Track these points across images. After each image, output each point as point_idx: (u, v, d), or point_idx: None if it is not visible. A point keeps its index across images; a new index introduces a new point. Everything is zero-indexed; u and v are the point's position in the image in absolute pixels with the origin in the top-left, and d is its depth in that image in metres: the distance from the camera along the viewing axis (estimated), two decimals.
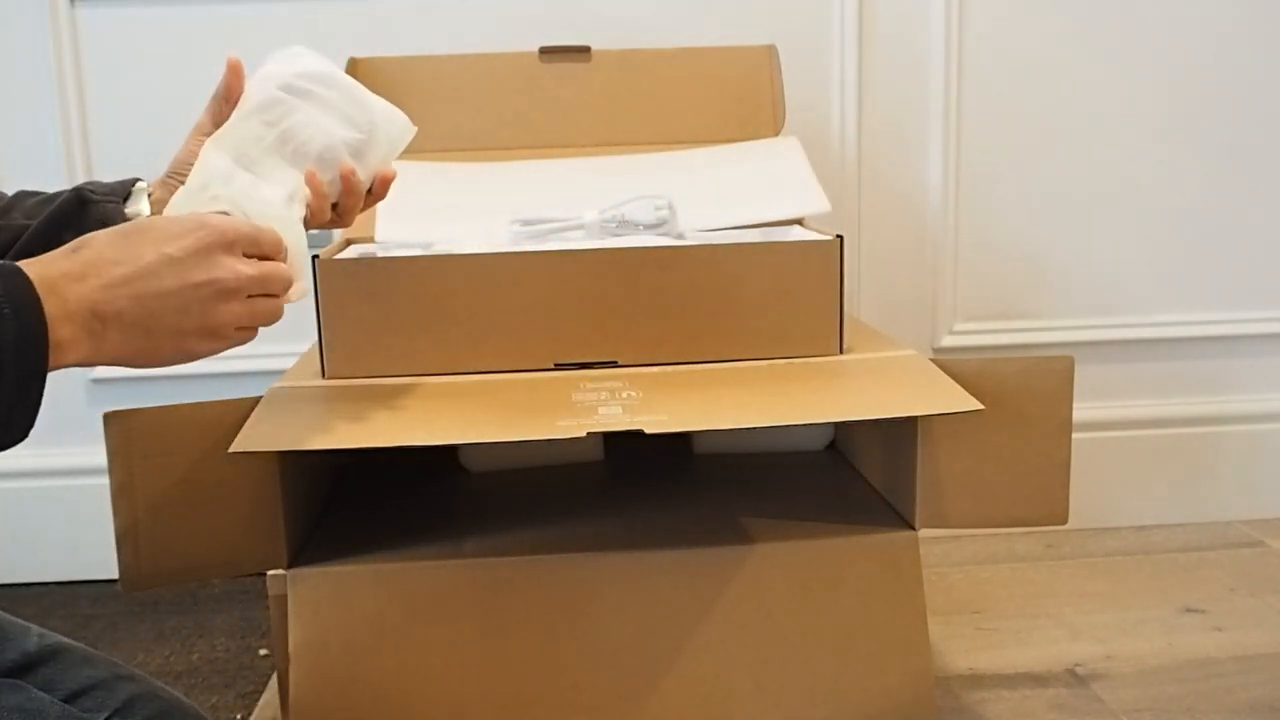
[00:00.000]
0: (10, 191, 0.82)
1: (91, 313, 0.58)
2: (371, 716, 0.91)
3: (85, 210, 0.77)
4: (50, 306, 0.56)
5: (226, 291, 0.63)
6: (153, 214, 0.79)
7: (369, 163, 0.83)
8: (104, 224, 0.76)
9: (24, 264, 0.57)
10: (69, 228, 0.77)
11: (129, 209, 0.78)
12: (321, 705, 0.91)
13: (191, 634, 1.33)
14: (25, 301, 0.55)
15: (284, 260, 0.69)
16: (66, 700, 0.63)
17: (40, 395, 0.56)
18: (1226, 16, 1.51)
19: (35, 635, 0.67)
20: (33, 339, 0.55)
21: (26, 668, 0.64)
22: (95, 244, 0.61)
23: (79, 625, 1.37)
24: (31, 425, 0.57)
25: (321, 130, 0.80)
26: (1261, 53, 1.52)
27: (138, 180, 0.82)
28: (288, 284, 0.68)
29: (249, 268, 0.64)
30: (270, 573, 0.92)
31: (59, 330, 0.57)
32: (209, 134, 0.78)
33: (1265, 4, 1.51)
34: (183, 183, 0.76)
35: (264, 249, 0.66)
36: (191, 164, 0.76)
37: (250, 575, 0.96)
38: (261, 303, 0.66)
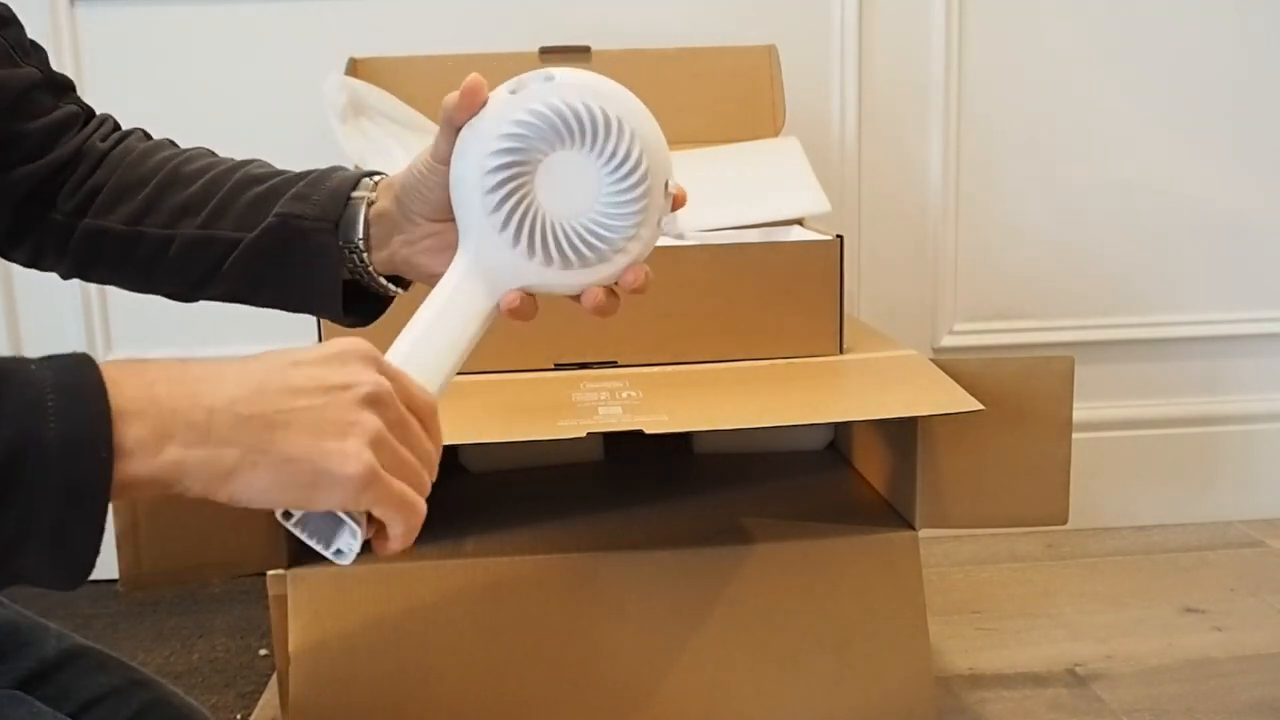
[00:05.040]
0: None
1: (191, 405, 0.44)
2: (371, 716, 0.91)
3: (290, 246, 0.66)
4: (121, 397, 0.43)
5: (368, 398, 0.48)
6: (371, 232, 0.66)
7: None
8: (313, 260, 0.66)
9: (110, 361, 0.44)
10: (274, 263, 0.67)
11: (343, 238, 0.66)
12: (321, 705, 0.91)
13: (191, 634, 1.33)
14: (82, 393, 0.42)
15: (434, 436, 0.52)
16: (80, 710, 0.63)
17: (100, 514, 0.42)
18: (1228, 17, 1.51)
19: (53, 638, 0.67)
20: (87, 444, 0.41)
21: (43, 675, 0.64)
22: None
23: (79, 625, 1.36)
24: (96, 544, 0.43)
25: None
26: (1263, 52, 1.52)
27: (354, 189, 0.67)
28: (431, 462, 0.52)
29: (386, 388, 0.49)
30: (270, 573, 0.92)
31: (130, 428, 0.43)
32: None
33: (1266, 2, 1.51)
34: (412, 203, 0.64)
35: (405, 390, 0.51)
36: (418, 190, 0.63)
37: (250, 575, 0.96)
38: (410, 459, 0.50)
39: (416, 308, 0.60)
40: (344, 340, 0.50)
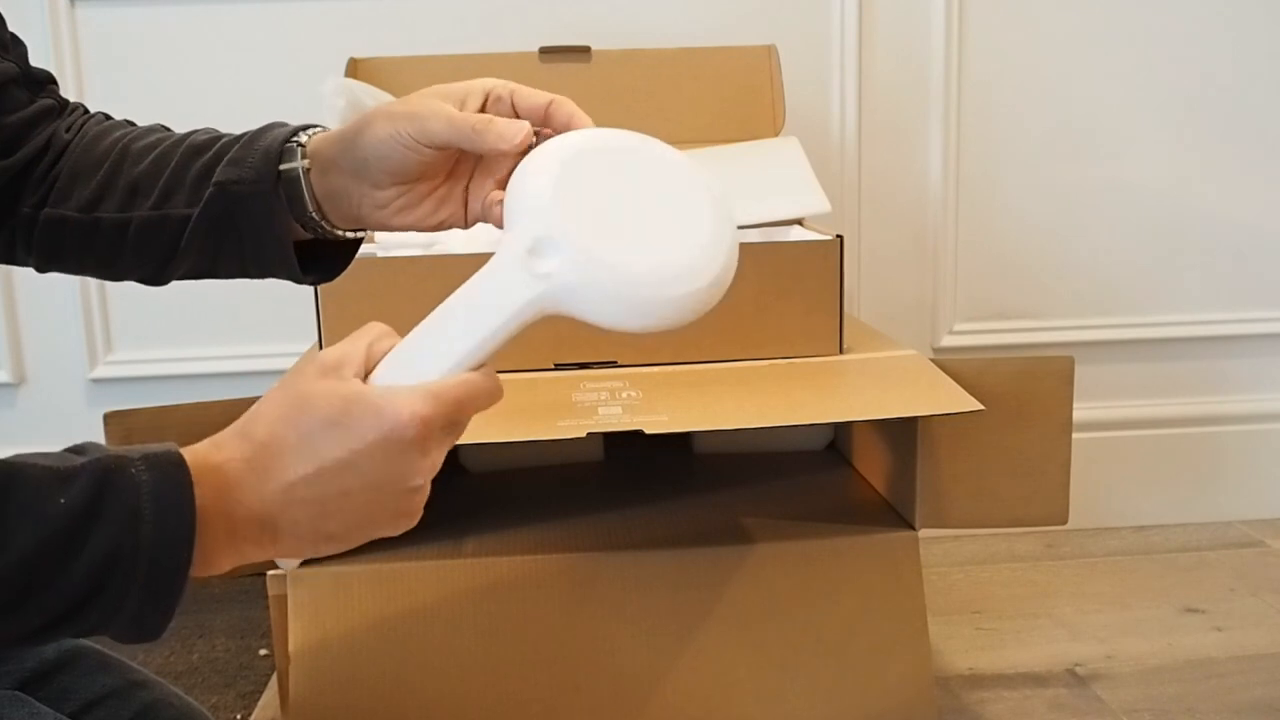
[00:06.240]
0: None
1: (262, 524, 0.51)
2: (371, 716, 0.91)
3: (234, 214, 0.66)
4: (203, 502, 0.48)
5: (418, 488, 0.54)
6: (318, 196, 0.65)
7: None
8: (257, 225, 0.65)
9: (190, 453, 0.50)
10: (224, 234, 0.67)
11: (296, 215, 0.66)
12: (321, 705, 0.91)
13: (191, 634, 1.33)
14: (174, 503, 0.48)
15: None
16: (81, 710, 0.63)
17: (176, 602, 0.48)
18: (1228, 17, 1.51)
19: None
20: (172, 555, 0.47)
21: (44, 675, 0.64)
22: (265, 426, 0.52)
23: None
24: (165, 627, 0.49)
25: None
26: (1262, 52, 1.52)
27: (285, 147, 0.65)
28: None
29: (443, 451, 0.55)
30: (270, 573, 0.92)
31: (211, 546, 0.49)
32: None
33: (1266, 3, 1.51)
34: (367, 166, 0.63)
35: (469, 413, 0.56)
36: (388, 162, 0.62)
37: (250, 575, 0.96)
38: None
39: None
40: (393, 428, 0.51)
